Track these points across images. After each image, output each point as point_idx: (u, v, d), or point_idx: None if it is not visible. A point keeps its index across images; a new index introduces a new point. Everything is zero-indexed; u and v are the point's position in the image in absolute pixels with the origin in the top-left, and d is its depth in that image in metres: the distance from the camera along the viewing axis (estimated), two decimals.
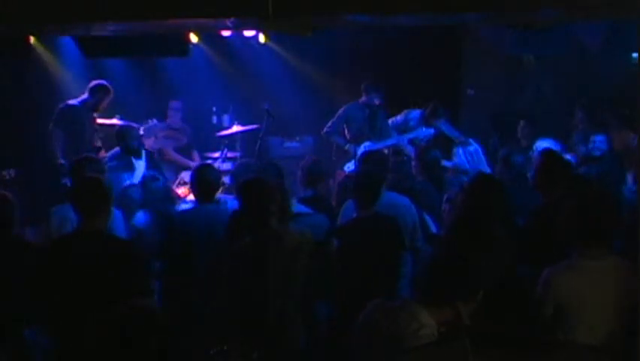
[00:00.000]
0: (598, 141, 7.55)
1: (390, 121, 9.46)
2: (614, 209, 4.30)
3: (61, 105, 8.88)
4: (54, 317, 4.43)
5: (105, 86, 8.93)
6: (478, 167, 7.29)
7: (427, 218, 6.21)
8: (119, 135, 8.31)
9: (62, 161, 8.40)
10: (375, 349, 3.36)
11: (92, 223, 4.48)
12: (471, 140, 7.54)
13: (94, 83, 8.95)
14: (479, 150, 7.41)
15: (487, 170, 7.30)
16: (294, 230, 5.14)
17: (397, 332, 3.30)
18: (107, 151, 8.88)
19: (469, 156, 7.36)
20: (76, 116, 8.80)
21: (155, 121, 9.66)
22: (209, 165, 6.58)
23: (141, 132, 9.10)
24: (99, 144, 9.04)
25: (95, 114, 9.02)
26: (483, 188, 5.21)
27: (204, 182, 5.91)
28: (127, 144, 8.13)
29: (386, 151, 8.98)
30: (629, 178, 6.36)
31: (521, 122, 9.10)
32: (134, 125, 9.16)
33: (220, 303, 4.99)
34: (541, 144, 7.83)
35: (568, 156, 7.73)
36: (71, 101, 8.88)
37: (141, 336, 3.11)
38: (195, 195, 6.04)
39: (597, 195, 4.60)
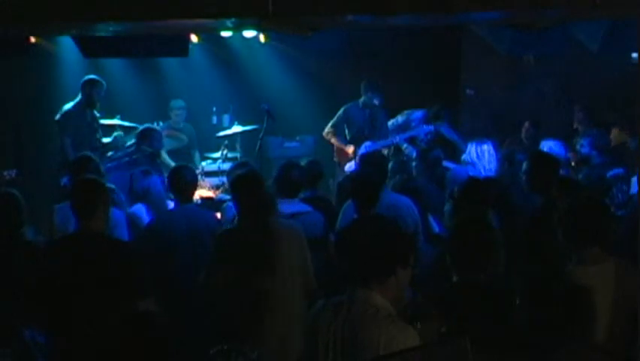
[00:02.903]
0: (584, 144, 7.59)
1: (391, 122, 9.46)
2: (607, 212, 4.30)
3: (58, 114, 8.85)
4: (52, 318, 4.42)
5: (91, 79, 8.85)
6: (487, 165, 7.29)
7: (431, 219, 6.22)
8: (144, 135, 8.24)
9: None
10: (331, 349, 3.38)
11: (88, 225, 4.46)
12: (487, 141, 7.59)
13: (82, 80, 8.93)
14: (492, 149, 7.45)
15: (495, 169, 7.29)
16: (283, 224, 5.17)
17: (355, 323, 3.33)
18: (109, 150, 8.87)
19: (480, 152, 7.38)
20: (74, 120, 8.78)
21: (160, 124, 9.65)
22: (185, 165, 6.57)
23: None
24: (101, 142, 9.00)
25: (96, 113, 8.98)
26: (473, 192, 5.24)
27: (181, 182, 5.91)
28: (150, 144, 8.09)
29: (386, 152, 8.99)
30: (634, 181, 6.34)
31: (526, 124, 9.12)
32: (135, 126, 9.15)
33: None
34: (547, 144, 7.84)
35: (569, 156, 7.75)
36: (66, 106, 8.86)
37: (139, 340, 3.11)
38: (174, 196, 6.03)
39: (590, 198, 4.60)
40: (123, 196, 6.46)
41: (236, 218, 5.19)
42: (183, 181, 5.91)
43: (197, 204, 6.47)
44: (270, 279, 4.90)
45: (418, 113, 9.36)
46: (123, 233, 5.65)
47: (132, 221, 6.14)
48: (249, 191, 5.09)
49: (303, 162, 6.76)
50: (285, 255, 4.96)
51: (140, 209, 6.40)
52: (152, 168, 7.93)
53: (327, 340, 3.42)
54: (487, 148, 7.36)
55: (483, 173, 7.04)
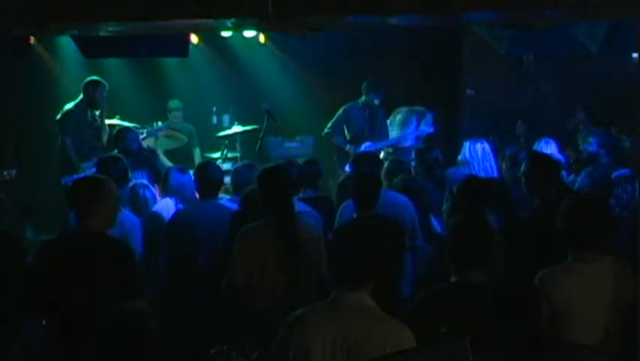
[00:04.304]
0: (592, 142, 7.58)
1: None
2: (604, 211, 4.30)
3: (59, 113, 8.85)
4: (50, 316, 4.43)
5: (94, 80, 8.84)
6: (481, 163, 7.30)
7: (433, 219, 6.23)
8: (118, 137, 8.31)
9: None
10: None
11: (86, 223, 4.46)
12: (481, 139, 7.60)
13: (85, 80, 8.94)
14: (488, 148, 7.46)
15: (490, 168, 7.30)
16: (303, 222, 5.16)
17: (356, 326, 3.34)
18: (109, 150, 8.86)
19: (474, 151, 7.39)
20: (75, 119, 8.79)
21: (160, 124, 9.65)
22: (211, 162, 6.63)
23: (144, 135, 9.09)
24: (102, 143, 9.00)
25: (97, 113, 8.98)
26: (472, 190, 5.24)
27: (207, 179, 5.97)
28: (125, 146, 8.12)
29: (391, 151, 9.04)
30: None
31: (518, 122, 9.15)
32: (135, 126, 9.15)
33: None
34: (540, 145, 7.85)
35: (561, 156, 7.75)
36: (67, 106, 8.85)
37: (132, 340, 3.10)
38: (198, 192, 6.07)
39: (589, 197, 4.60)
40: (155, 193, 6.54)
41: (262, 215, 5.13)
42: (208, 178, 5.96)
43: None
44: (288, 278, 4.88)
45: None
46: (137, 239, 5.65)
47: (152, 221, 6.18)
48: (277, 187, 5.04)
49: (300, 162, 6.76)
50: (303, 253, 4.92)
51: (167, 203, 6.44)
52: (148, 169, 7.97)
53: (326, 344, 3.39)
54: (480, 147, 7.36)
55: (477, 172, 7.03)
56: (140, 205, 6.34)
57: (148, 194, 6.49)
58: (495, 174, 7.27)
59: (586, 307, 4.02)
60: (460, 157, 7.48)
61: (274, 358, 3.50)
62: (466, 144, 7.45)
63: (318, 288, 4.98)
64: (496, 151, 8.66)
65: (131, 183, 6.56)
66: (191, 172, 6.58)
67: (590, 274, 4.07)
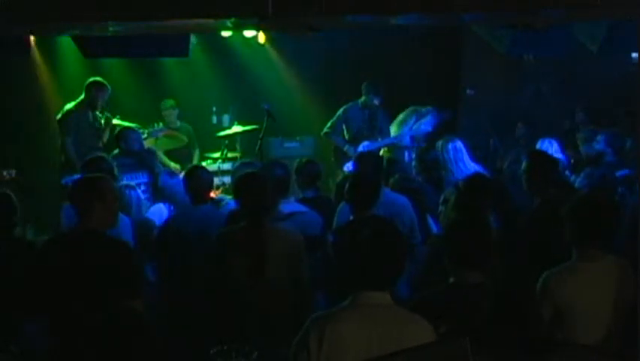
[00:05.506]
0: (600, 140, 7.56)
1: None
2: (609, 210, 4.30)
3: (60, 113, 8.85)
4: (50, 315, 4.43)
5: (97, 82, 8.86)
6: (454, 162, 7.27)
7: (430, 219, 6.22)
8: (120, 137, 8.31)
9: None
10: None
11: (86, 222, 4.47)
12: (455, 138, 7.54)
13: (88, 81, 8.94)
14: (461, 146, 7.41)
15: (467, 164, 7.28)
16: (283, 228, 5.13)
17: (390, 326, 3.34)
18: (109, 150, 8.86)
19: (445, 150, 7.35)
20: (76, 119, 8.79)
21: (161, 125, 9.65)
22: (199, 166, 6.57)
23: (145, 135, 9.09)
24: (102, 143, 8.99)
25: (98, 113, 8.98)
26: (478, 187, 5.24)
27: (196, 183, 5.92)
28: (127, 146, 8.12)
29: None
30: None
31: (518, 124, 9.15)
32: (136, 126, 9.15)
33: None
34: (544, 144, 7.84)
35: (562, 156, 7.74)
36: (68, 106, 8.86)
37: (128, 338, 3.10)
38: (189, 198, 6.03)
39: (591, 197, 4.61)
40: (145, 194, 6.50)
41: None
42: (198, 182, 5.91)
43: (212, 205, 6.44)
44: (259, 283, 4.84)
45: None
46: (128, 239, 5.63)
47: (142, 227, 6.16)
48: (251, 193, 5.03)
49: (299, 162, 6.73)
50: (276, 261, 4.85)
51: (160, 209, 6.41)
52: (147, 170, 7.97)
53: (361, 342, 3.37)
54: (451, 147, 7.31)
55: (455, 173, 7.00)
56: (124, 206, 6.30)
57: (134, 195, 6.44)
58: (469, 171, 7.24)
59: (589, 305, 4.03)
60: (435, 159, 7.43)
61: (293, 358, 3.48)
62: (438, 145, 7.38)
63: (294, 293, 4.95)
64: (496, 151, 8.68)
65: (119, 184, 6.54)
66: None
67: (595, 272, 4.09)
